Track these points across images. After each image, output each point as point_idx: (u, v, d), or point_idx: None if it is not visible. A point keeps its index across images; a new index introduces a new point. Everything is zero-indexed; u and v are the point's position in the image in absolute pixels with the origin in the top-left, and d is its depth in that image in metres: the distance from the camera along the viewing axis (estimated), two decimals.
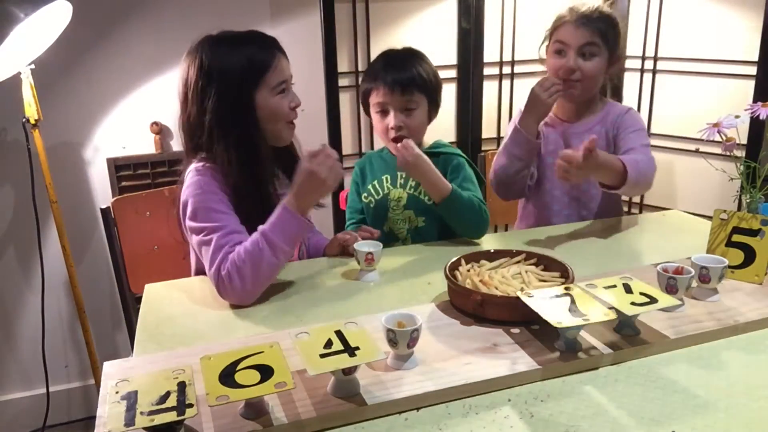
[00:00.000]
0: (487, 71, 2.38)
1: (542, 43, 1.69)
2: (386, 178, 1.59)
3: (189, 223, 1.24)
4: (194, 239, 1.24)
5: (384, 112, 1.51)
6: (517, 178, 1.65)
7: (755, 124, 1.76)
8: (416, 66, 1.50)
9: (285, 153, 1.42)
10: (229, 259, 1.16)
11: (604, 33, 1.59)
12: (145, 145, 2.10)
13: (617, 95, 1.81)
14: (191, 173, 1.27)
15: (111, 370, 0.95)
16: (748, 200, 1.27)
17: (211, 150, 1.27)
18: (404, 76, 1.47)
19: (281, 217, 1.19)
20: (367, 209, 1.62)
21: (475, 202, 1.45)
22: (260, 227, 1.19)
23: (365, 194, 1.62)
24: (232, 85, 1.25)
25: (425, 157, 1.41)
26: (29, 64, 1.75)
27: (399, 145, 1.42)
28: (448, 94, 2.34)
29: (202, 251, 1.22)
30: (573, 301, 0.98)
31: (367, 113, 1.60)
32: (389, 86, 1.47)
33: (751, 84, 1.98)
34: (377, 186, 1.60)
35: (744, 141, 1.83)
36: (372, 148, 2.32)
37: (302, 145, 1.43)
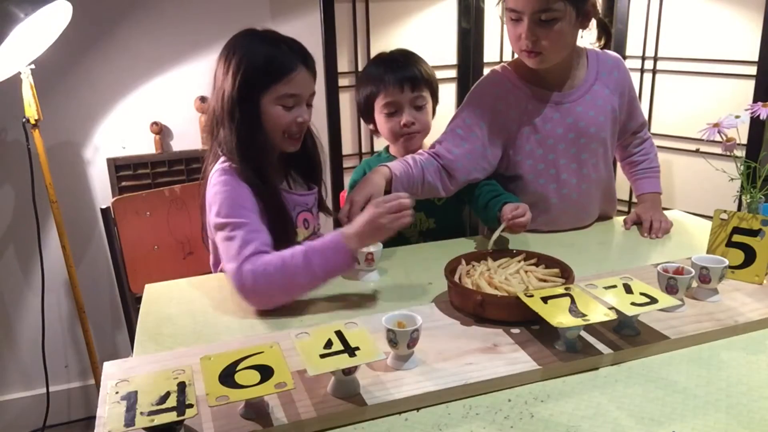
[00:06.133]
0: (486, 71, 2.38)
1: (498, 2, 1.46)
2: None
3: (214, 220, 1.21)
4: (217, 235, 1.21)
5: (393, 113, 1.51)
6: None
7: (755, 124, 1.76)
8: (418, 63, 1.53)
9: (301, 155, 1.39)
10: (262, 260, 1.13)
11: None
12: (145, 145, 2.10)
13: (606, 32, 1.50)
14: (217, 173, 1.24)
15: (111, 370, 0.95)
16: (748, 200, 1.27)
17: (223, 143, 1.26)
18: (410, 73, 1.49)
19: (331, 245, 1.14)
20: None
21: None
22: (307, 243, 1.16)
23: None
24: (246, 79, 1.22)
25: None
26: (29, 64, 1.75)
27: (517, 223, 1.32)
28: (448, 94, 2.34)
29: (224, 246, 1.19)
30: (573, 301, 0.98)
31: (368, 120, 1.58)
32: (398, 85, 1.48)
33: (751, 84, 1.98)
34: None
35: (744, 141, 1.82)
36: (372, 148, 2.32)
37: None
